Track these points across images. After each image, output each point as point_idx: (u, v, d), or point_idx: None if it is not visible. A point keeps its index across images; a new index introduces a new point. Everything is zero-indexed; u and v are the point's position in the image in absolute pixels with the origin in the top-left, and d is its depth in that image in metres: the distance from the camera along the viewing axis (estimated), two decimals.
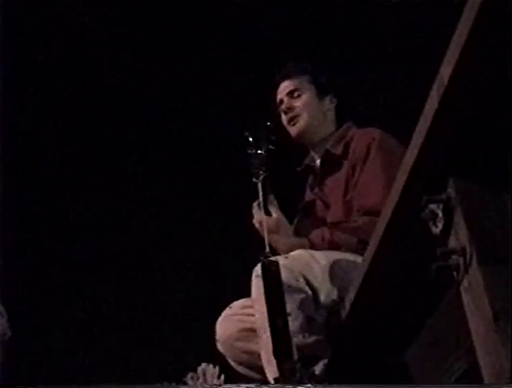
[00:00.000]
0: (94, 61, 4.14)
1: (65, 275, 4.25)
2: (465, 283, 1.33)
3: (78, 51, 4.11)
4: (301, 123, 2.56)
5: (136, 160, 4.31)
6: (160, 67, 4.16)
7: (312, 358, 2.01)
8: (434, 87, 1.30)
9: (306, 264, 2.12)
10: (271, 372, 2.01)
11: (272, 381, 1.99)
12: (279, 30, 3.97)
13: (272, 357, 1.92)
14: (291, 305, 2.00)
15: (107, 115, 4.25)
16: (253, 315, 2.22)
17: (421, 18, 3.45)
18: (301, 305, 2.03)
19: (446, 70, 1.25)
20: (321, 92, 2.59)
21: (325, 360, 2.00)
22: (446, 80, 1.25)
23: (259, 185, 2.25)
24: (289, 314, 1.97)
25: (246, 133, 2.37)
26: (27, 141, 4.15)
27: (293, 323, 1.98)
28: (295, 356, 1.93)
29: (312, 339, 2.02)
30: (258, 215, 2.36)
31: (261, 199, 2.26)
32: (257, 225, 2.37)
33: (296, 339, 1.98)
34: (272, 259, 2.03)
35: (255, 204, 2.37)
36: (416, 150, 1.39)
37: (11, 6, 3.57)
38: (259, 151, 2.32)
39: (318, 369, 1.98)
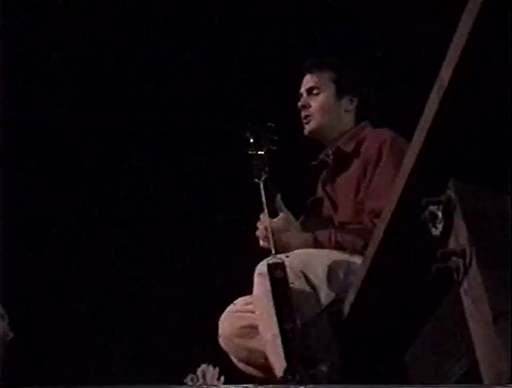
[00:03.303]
0: (98, 58, 4.15)
1: (66, 276, 4.25)
2: (465, 284, 1.33)
3: (79, 51, 4.12)
4: (313, 123, 2.58)
5: (137, 162, 4.31)
6: (160, 69, 4.17)
7: (313, 359, 2.01)
8: (435, 89, 1.30)
9: (308, 263, 2.13)
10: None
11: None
12: (284, 31, 3.98)
13: (280, 357, 1.93)
14: (298, 301, 2.02)
15: (106, 115, 4.25)
16: (254, 313, 2.24)
17: (421, 21, 3.45)
18: (302, 307, 2.03)
19: (446, 72, 1.25)
20: (341, 92, 2.59)
21: (326, 366, 2.00)
22: (446, 82, 1.25)
23: (261, 185, 2.26)
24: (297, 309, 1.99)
25: (247, 134, 2.38)
26: (27, 142, 4.15)
27: (302, 318, 2.00)
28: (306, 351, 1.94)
29: (322, 331, 2.02)
30: (262, 220, 2.34)
31: (263, 199, 2.26)
32: (262, 233, 2.34)
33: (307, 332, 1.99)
34: (278, 260, 2.03)
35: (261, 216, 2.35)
36: (416, 152, 1.39)
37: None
38: (260, 152, 2.33)
39: (318, 372, 1.98)
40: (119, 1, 3.99)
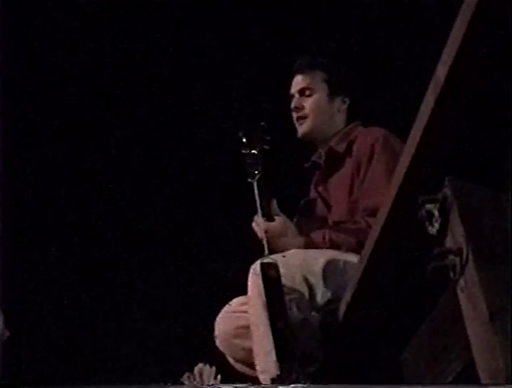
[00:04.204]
0: (96, 55, 4.15)
1: (65, 275, 4.24)
2: (461, 283, 1.33)
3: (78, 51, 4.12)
4: (307, 125, 2.57)
5: (133, 163, 4.31)
6: (155, 70, 4.17)
7: (310, 359, 2.01)
8: (431, 87, 1.30)
9: (304, 262, 2.13)
10: (264, 370, 2.01)
11: (263, 379, 2.00)
12: (275, 31, 3.98)
13: (266, 355, 1.93)
14: (292, 299, 2.02)
15: (103, 115, 4.25)
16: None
17: (417, 18, 3.45)
18: (295, 306, 2.03)
19: (442, 70, 1.25)
20: (333, 92, 2.57)
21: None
22: (442, 79, 1.25)
23: (255, 185, 2.25)
24: (290, 309, 2.00)
25: (240, 134, 2.37)
26: (27, 143, 4.15)
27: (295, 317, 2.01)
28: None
29: (304, 338, 2.02)
30: (259, 224, 2.33)
31: (257, 198, 2.25)
32: (260, 234, 2.34)
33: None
34: (271, 261, 2.03)
35: (256, 216, 2.35)
36: (412, 150, 1.39)
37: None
38: (253, 151, 2.32)
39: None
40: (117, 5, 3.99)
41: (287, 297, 2.01)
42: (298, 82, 2.61)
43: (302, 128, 2.58)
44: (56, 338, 4.17)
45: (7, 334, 2.90)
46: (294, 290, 2.06)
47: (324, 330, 2.08)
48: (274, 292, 1.95)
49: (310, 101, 2.57)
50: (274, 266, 1.99)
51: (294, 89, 2.61)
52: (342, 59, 2.85)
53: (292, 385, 1.88)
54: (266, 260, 2.03)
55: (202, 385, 2.79)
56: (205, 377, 2.88)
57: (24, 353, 3.81)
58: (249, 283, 2.13)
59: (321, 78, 2.59)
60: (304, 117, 2.57)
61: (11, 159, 3.63)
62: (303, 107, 2.57)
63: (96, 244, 4.27)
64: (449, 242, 1.36)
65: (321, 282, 2.09)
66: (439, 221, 1.37)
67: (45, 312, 4.16)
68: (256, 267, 2.09)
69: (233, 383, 2.42)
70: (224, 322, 2.37)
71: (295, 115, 2.59)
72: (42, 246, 4.25)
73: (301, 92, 2.59)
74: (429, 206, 1.39)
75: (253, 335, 2.10)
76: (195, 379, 2.88)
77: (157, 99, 4.23)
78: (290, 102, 2.62)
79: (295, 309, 2.03)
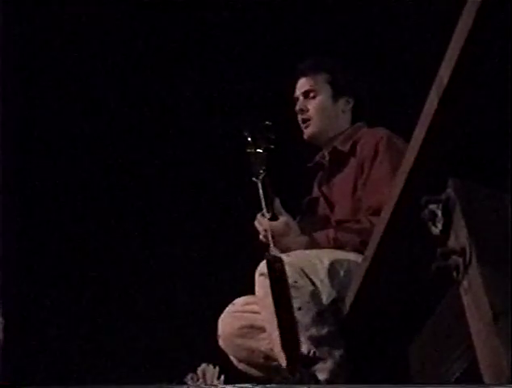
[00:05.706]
0: (96, 57, 4.15)
1: (66, 274, 4.25)
2: (465, 283, 1.33)
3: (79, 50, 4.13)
4: (312, 127, 2.59)
5: (136, 161, 4.31)
6: (159, 67, 4.17)
7: (314, 359, 2.01)
8: (434, 88, 1.30)
9: (308, 262, 2.14)
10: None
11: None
12: (281, 31, 3.98)
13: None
14: (300, 300, 2.02)
15: (105, 112, 4.25)
16: (254, 312, 2.24)
17: (420, 19, 3.46)
18: (311, 299, 2.04)
19: (445, 71, 1.25)
20: (337, 93, 2.59)
21: (331, 363, 2.00)
22: (445, 80, 1.25)
23: (259, 184, 2.26)
24: (300, 309, 2.00)
25: (245, 133, 2.38)
26: (27, 142, 4.15)
27: (304, 317, 2.01)
28: (307, 349, 1.95)
29: (325, 330, 2.02)
30: (262, 223, 2.34)
31: (261, 197, 2.26)
32: (262, 234, 2.35)
33: (310, 332, 2.00)
34: (276, 255, 2.03)
35: (259, 215, 2.36)
36: (415, 150, 1.40)
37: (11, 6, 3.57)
38: (258, 150, 2.33)
39: (323, 372, 1.98)
40: (120, 4, 3.99)
41: (299, 292, 2.02)
42: (302, 84, 2.63)
43: (308, 131, 2.60)
44: (58, 338, 4.17)
45: (2, 322, 2.88)
46: (305, 285, 2.06)
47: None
48: (279, 286, 1.96)
49: (314, 103, 2.58)
50: (278, 259, 2.00)
51: (298, 92, 2.63)
52: (345, 60, 2.84)
53: (295, 386, 1.89)
54: (271, 254, 2.04)
55: (205, 385, 2.79)
56: (208, 377, 2.89)
57: (24, 353, 3.81)
58: (257, 285, 2.14)
59: (325, 79, 2.60)
60: (309, 119, 2.58)
61: (11, 158, 3.63)
62: (307, 110, 2.59)
63: (98, 244, 4.27)
64: (452, 243, 1.36)
65: (326, 282, 2.10)
66: (442, 221, 1.37)
67: (46, 312, 4.16)
68: (262, 268, 2.10)
69: (236, 383, 2.42)
70: (227, 322, 2.37)
71: (300, 117, 2.61)
72: (42, 246, 4.25)
73: (305, 94, 2.61)
74: (432, 206, 1.39)
75: (272, 337, 2.09)
76: (198, 379, 2.88)
77: (163, 98, 4.24)
78: (295, 104, 2.63)
79: (309, 302, 2.03)
